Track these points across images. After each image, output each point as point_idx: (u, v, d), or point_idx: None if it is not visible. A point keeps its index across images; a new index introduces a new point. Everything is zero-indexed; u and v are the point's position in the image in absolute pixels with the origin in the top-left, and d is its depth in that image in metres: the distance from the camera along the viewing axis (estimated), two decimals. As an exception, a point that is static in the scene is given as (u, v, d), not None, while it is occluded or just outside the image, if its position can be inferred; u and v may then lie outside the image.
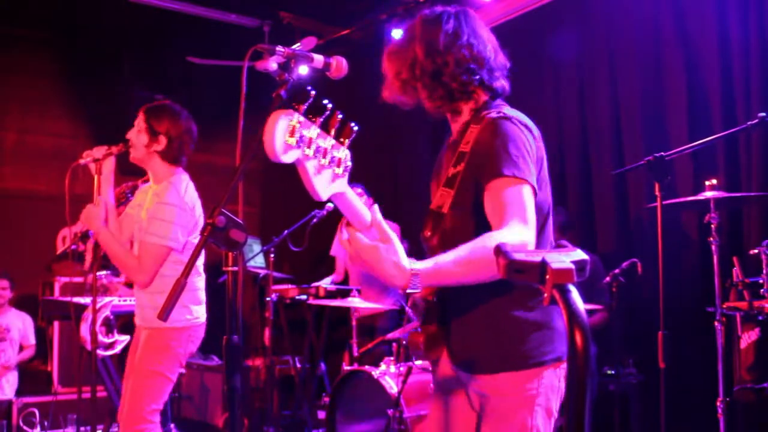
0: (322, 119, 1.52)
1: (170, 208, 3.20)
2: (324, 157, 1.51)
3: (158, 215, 3.21)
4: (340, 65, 2.06)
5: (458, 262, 1.65)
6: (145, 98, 3.49)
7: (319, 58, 2.05)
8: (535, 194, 1.80)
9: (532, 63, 5.39)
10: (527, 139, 1.85)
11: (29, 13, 6.62)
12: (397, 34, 6.39)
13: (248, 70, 2.07)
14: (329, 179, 1.54)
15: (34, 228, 6.66)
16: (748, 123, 3.31)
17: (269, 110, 1.90)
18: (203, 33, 6.86)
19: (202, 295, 3.38)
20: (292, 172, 1.54)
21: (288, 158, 1.44)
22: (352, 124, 1.57)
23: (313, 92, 1.51)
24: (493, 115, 1.89)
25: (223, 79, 4.64)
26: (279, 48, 2.02)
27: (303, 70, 2.04)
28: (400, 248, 1.64)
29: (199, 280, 3.36)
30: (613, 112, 5.10)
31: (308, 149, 1.47)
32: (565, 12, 5.48)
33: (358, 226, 1.68)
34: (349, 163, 1.59)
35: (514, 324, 1.86)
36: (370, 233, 1.66)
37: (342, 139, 1.57)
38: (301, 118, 1.46)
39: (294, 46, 2.06)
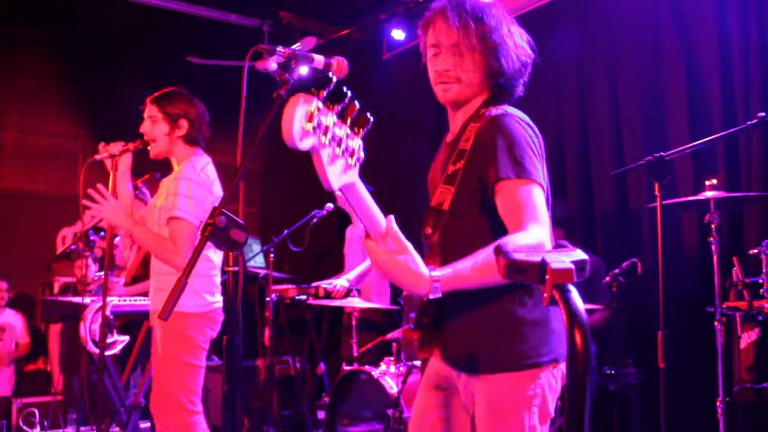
0: (340, 107, 1.47)
1: (183, 182, 3.15)
2: (339, 146, 1.47)
3: (170, 190, 3.17)
4: (340, 65, 2.06)
5: (476, 267, 1.68)
6: (145, 98, 3.47)
7: (319, 59, 2.05)
8: (544, 191, 1.82)
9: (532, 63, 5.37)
10: (530, 136, 1.86)
11: (29, 13, 6.62)
12: (397, 34, 6.39)
13: (248, 70, 2.07)
14: (342, 169, 1.50)
15: (34, 228, 6.66)
16: (748, 123, 3.31)
17: (269, 111, 1.91)
18: (203, 33, 6.86)
19: (217, 282, 3.30)
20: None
21: (305, 145, 1.39)
22: (368, 115, 1.53)
23: (334, 79, 1.48)
24: (494, 112, 1.89)
25: (223, 79, 4.63)
26: (279, 48, 2.02)
27: (303, 70, 2.03)
28: (417, 257, 1.67)
29: (210, 268, 3.28)
30: (613, 112, 5.10)
31: (324, 137, 1.42)
32: (565, 12, 5.48)
33: (364, 219, 1.66)
34: (362, 154, 1.55)
35: (510, 323, 1.86)
36: (386, 244, 1.67)
37: (356, 129, 1.53)
38: (320, 104, 1.41)
39: (294, 46, 2.06)
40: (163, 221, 3.21)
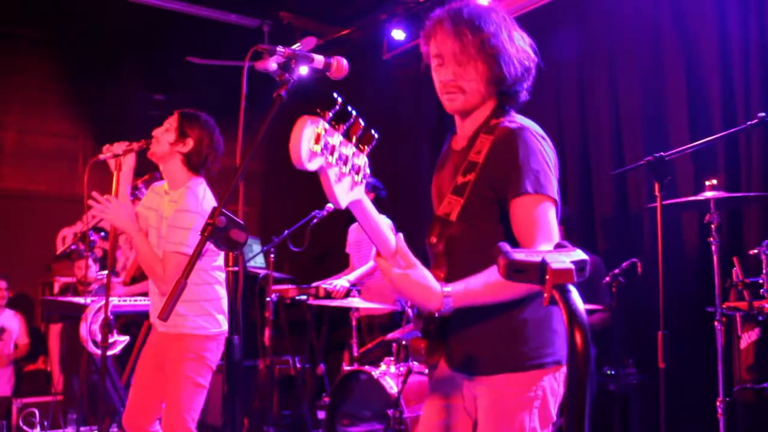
0: (345, 126, 1.51)
1: (189, 215, 3.16)
2: (345, 164, 1.51)
3: (176, 223, 3.17)
4: (340, 65, 2.06)
5: (488, 284, 1.71)
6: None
7: (319, 59, 2.05)
8: (557, 206, 1.84)
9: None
10: (546, 150, 1.87)
11: (29, 13, 6.63)
12: (397, 34, 6.39)
13: (248, 70, 2.07)
14: (349, 187, 1.54)
15: (34, 228, 6.67)
16: (748, 123, 3.31)
17: (269, 111, 1.91)
18: (203, 33, 6.86)
19: (225, 305, 3.31)
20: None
21: (312, 166, 1.43)
22: (373, 132, 1.56)
23: (339, 99, 1.50)
24: (508, 125, 1.88)
25: (223, 79, 4.64)
26: (279, 48, 2.02)
27: (303, 70, 2.03)
28: (427, 273, 1.70)
29: (222, 290, 3.31)
30: (613, 112, 5.10)
31: (331, 157, 1.46)
32: (565, 12, 5.48)
33: (372, 236, 1.68)
34: (368, 171, 1.59)
35: (513, 324, 1.86)
36: (396, 261, 1.69)
37: (362, 146, 1.56)
38: (326, 125, 1.44)
39: (294, 46, 2.06)
40: (161, 249, 3.21)
